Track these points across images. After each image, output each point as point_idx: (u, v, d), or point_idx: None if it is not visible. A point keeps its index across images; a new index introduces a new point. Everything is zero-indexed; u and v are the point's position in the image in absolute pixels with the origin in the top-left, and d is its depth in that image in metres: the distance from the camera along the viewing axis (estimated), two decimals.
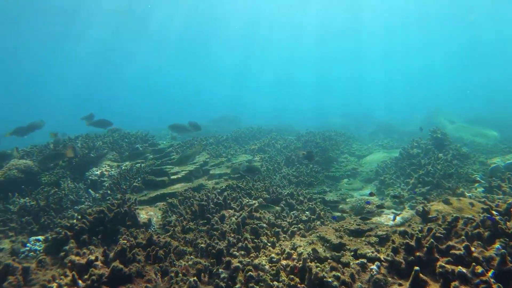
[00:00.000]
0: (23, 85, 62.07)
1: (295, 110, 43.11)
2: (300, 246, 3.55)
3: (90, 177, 6.98)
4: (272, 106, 47.07)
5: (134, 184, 6.38)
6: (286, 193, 5.57)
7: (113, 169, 7.13)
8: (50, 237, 4.87)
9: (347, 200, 6.20)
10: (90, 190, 6.68)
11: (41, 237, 5.43)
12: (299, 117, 29.16)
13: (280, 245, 3.82)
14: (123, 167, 7.03)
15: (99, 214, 4.52)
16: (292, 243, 3.72)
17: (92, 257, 3.24)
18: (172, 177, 6.68)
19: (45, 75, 57.63)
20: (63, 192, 6.37)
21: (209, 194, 5.11)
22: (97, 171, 7.10)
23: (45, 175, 6.95)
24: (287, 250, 3.58)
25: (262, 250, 3.64)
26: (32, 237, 5.41)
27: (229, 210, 4.79)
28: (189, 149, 8.17)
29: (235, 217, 4.45)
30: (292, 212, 4.99)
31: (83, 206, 6.36)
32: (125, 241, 3.47)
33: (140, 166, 6.80)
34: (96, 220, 4.49)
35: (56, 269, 3.88)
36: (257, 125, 12.07)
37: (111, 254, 3.37)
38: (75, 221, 4.63)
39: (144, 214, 5.42)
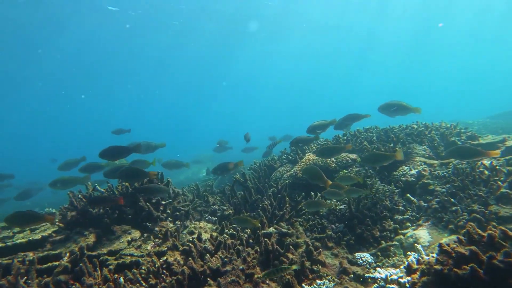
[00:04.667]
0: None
1: None
2: None
3: (401, 178, 5.06)
4: None
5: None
6: None
7: (437, 169, 4.97)
8: (419, 266, 3.01)
9: None
10: (409, 195, 4.74)
11: (368, 255, 3.79)
12: None
13: None
14: (451, 166, 4.73)
15: None
16: None
17: None
18: None
19: None
20: (377, 196, 4.68)
21: None
22: (410, 170, 5.11)
23: (344, 173, 5.53)
24: None
25: None
26: (358, 254, 3.84)
27: None
28: None
29: None
30: None
31: (405, 217, 4.46)
32: None
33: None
34: None
35: None
36: None
37: None
38: (456, 246, 2.63)
39: None
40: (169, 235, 3.78)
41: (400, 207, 4.59)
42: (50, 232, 4.12)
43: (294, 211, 4.75)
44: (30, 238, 3.88)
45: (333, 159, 5.59)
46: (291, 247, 3.61)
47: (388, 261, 3.69)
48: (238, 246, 3.46)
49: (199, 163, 16.63)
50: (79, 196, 4.33)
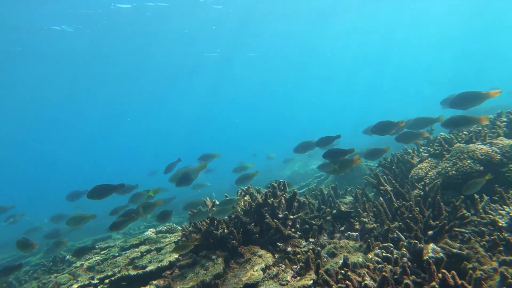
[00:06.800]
0: None
1: None
2: None
3: None
4: None
5: None
6: None
7: None
8: None
9: None
10: None
11: None
12: None
13: None
14: None
15: None
16: None
17: None
18: None
19: None
20: None
21: None
22: None
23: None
24: None
25: None
26: None
27: None
28: None
29: None
30: None
31: None
32: None
33: None
34: None
35: None
36: None
37: None
38: None
39: None
40: (311, 262, 3.11)
41: None
42: (176, 256, 3.82)
43: (456, 220, 3.70)
44: (159, 265, 3.61)
45: (495, 148, 4.31)
46: (482, 282, 2.62)
47: None
48: (406, 281, 2.60)
49: (290, 162, 16.53)
50: None
